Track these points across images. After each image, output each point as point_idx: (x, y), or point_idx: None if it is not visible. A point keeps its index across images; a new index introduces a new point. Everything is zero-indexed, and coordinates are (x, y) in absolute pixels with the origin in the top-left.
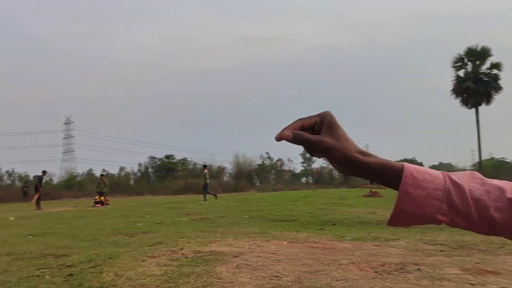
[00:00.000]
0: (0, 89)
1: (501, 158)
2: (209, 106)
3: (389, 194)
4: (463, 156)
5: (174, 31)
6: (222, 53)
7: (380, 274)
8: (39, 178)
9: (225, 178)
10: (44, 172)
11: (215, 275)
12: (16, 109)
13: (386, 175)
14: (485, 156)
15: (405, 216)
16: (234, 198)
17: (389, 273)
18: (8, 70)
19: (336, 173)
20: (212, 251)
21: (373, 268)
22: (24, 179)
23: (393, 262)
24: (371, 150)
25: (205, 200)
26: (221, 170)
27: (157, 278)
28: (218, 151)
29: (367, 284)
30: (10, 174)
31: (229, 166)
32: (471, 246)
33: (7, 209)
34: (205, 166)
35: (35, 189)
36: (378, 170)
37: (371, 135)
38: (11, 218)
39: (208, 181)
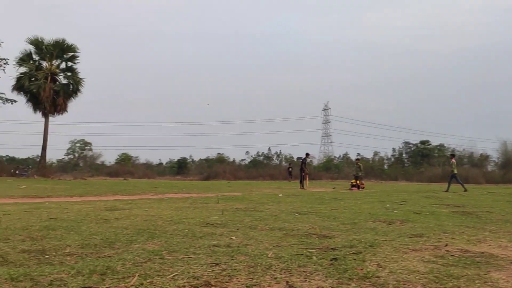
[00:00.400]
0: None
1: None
2: (469, 89)
3: None
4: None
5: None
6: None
7: None
8: (302, 160)
9: (489, 167)
10: (307, 154)
11: (490, 283)
12: (282, 97)
13: None
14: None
15: None
16: (503, 191)
17: None
18: (273, 61)
19: None
20: (483, 252)
21: None
22: (289, 160)
23: None
24: None
25: (446, 191)
26: (484, 158)
27: (422, 275)
28: (480, 136)
29: None
30: (278, 155)
31: (494, 154)
32: None
33: (275, 186)
34: (453, 156)
35: (300, 170)
36: None
37: None
38: (280, 195)
39: (455, 171)
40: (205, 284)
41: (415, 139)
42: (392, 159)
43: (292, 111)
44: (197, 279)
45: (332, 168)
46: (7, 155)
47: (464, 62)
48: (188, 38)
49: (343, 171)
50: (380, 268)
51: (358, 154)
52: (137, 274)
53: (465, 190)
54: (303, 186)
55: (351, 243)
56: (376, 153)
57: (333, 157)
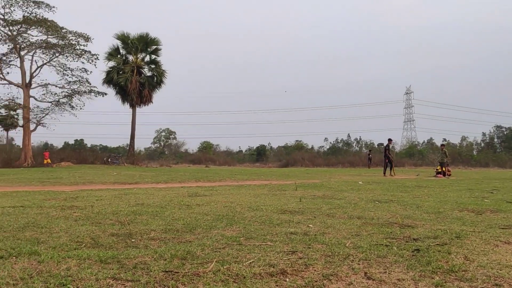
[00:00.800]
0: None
1: None
2: None
3: None
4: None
5: None
6: None
7: None
8: (385, 147)
9: None
10: (389, 140)
11: None
12: (361, 82)
13: None
14: None
15: None
16: None
17: None
18: (355, 47)
19: None
20: None
21: None
22: (369, 146)
23: None
24: None
25: None
26: None
27: None
28: None
29: None
30: (358, 142)
31: None
32: None
33: (355, 173)
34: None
35: (384, 156)
36: None
37: None
38: (360, 183)
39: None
40: (281, 272)
41: (508, 123)
42: (482, 144)
43: (373, 96)
44: (273, 267)
45: (416, 155)
46: (100, 144)
47: None
48: (268, 30)
49: (427, 157)
50: (468, 262)
51: (444, 140)
52: (214, 260)
53: None
54: (385, 173)
55: (435, 234)
56: (464, 138)
57: (416, 142)
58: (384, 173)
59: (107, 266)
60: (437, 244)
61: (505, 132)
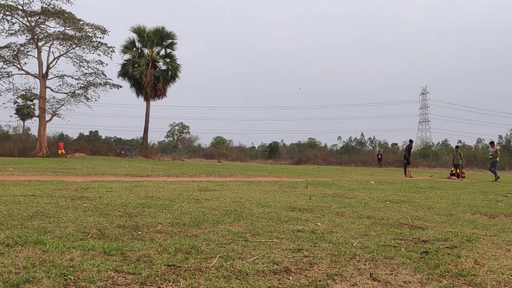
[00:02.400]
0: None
1: None
2: None
3: None
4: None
5: None
6: None
7: None
8: (406, 148)
9: None
10: (411, 141)
11: None
12: (377, 81)
13: None
14: None
15: None
16: None
17: None
18: (370, 45)
19: None
20: None
21: None
22: (383, 145)
23: None
24: None
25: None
26: None
27: None
28: None
29: None
30: (371, 141)
31: None
32: None
33: (368, 172)
34: (492, 143)
35: (404, 157)
36: None
37: None
38: (372, 182)
39: (497, 160)
40: (285, 270)
41: None
42: (499, 147)
43: (388, 95)
44: (277, 264)
45: (430, 156)
46: (114, 136)
47: None
48: (286, 28)
49: (441, 158)
50: (478, 266)
51: (459, 141)
52: (218, 255)
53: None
54: (406, 174)
55: (445, 236)
56: (479, 141)
57: (431, 143)
58: (405, 174)
59: (110, 258)
60: (447, 247)
61: None
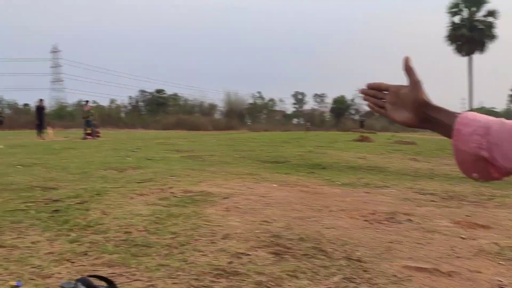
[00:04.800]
0: None
1: (491, 107)
2: (202, 42)
3: (380, 139)
4: (454, 104)
5: None
6: None
7: (371, 223)
8: (37, 108)
9: (217, 115)
10: (41, 100)
11: (204, 217)
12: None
13: (446, 116)
14: (476, 105)
15: (458, 154)
16: (226, 137)
17: (379, 223)
18: None
19: (327, 115)
20: (201, 191)
21: (363, 216)
22: (12, 106)
23: (383, 211)
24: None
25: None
26: (212, 107)
27: (145, 218)
28: (209, 87)
29: (357, 233)
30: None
31: (220, 104)
32: (461, 197)
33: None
34: (87, 101)
35: (36, 118)
36: (443, 113)
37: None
38: (1, 147)
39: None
40: None
41: (151, 88)
42: (129, 107)
43: (14, 51)
44: None
45: (66, 116)
46: None
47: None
48: None
49: (78, 119)
50: (104, 215)
51: (94, 102)
52: None
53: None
54: (40, 135)
55: (77, 193)
56: (112, 101)
57: (66, 104)
58: (39, 136)
59: None
60: (78, 203)
61: (148, 96)
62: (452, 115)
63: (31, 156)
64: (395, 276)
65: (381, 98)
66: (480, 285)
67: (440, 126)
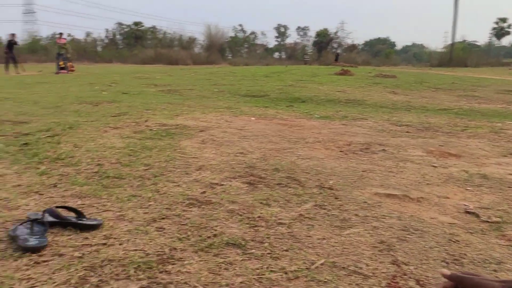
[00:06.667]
0: None
1: (472, 41)
2: None
3: (360, 73)
4: (436, 38)
5: None
6: None
7: (346, 154)
8: (8, 42)
9: (196, 49)
10: (12, 35)
11: (179, 150)
12: None
13: None
14: (458, 38)
15: None
16: (205, 71)
17: (354, 153)
18: None
19: (309, 49)
20: (177, 125)
21: (338, 147)
22: None
23: (359, 142)
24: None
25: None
26: (192, 41)
27: (118, 150)
28: (189, 20)
29: (331, 163)
30: None
31: (200, 37)
32: (436, 128)
33: None
34: (60, 34)
35: (5, 52)
36: None
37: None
38: None
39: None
40: None
41: (128, 20)
42: (106, 41)
43: None
44: None
45: (39, 50)
46: None
47: None
48: None
49: (51, 53)
50: (76, 148)
51: (69, 35)
52: None
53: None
54: (16, 70)
55: (48, 127)
56: (88, 34)
57: (39, 37)
58: (6, 70)
59: None
60: (49, 136)
61: (126, 29)
62: None
63: (1, 91)
64: (365, 202)
65: None
66: (447, 209)
67: None
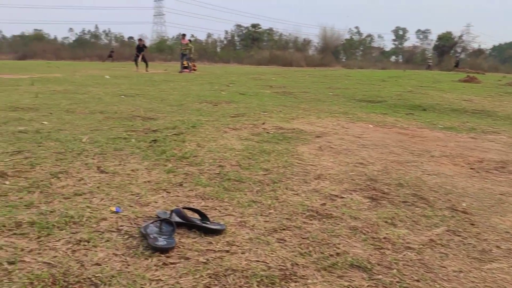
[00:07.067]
0: None
1: None
2: None
3: (488, 81)
4: None
5: None
6: None
7: (478, 172)
8: (137, 47)
9: (311, 51)
10: (140, 40)
11: (296, 156)
12: None
13: None
14: None
15: None
16: (319, 74)
17: (488, 172)
18: None
19: (429, 53)
20: (294, 129)
21: (469, 164)
22: (119, 39)
23: (492, 159)
24: None
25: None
26: (307, 43)
27: (238, 152)
28: (305, 22)
29: (462, 182)
30: (107, 34)
31: (315, 39)
32: None
33: (103, 67)
34: (183, 35)
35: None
36: None
37: None
38: (107, 77)
39: (186, 52)
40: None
41: (246, 22)
42: (225, 42)
43: None
44: None
45: (166, 50)
46: None
47: None
48: None
49: (176, 52)
50: (199, 148)
51: (192, 36)
52: None
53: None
54: (146, 69)
55: (174, 125)
56: (209, 35)
57: (166, 37)
58: (137, 66)
59: None
60: (174, 134)
61: (244, 31)
62: None
63: (133, 87)
64: (508, 232)
65: None
66: None
67: None
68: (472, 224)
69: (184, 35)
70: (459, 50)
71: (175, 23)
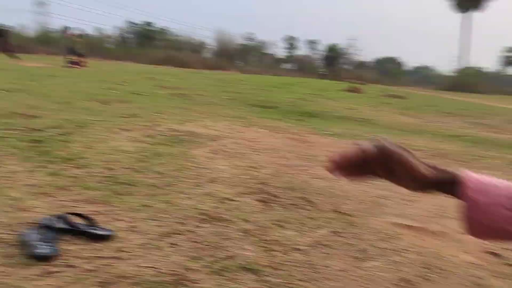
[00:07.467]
0: None
1: (481, 67)
2: None
3: (370, 91)
4: (445, 61)
5: None
6: None
7: None
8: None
9: (207, 54)
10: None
11: (190, 159)
12: None
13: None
14: (467, 64)
15: (475, 224)
16: (214, 77)
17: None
18: None
19: (319, 63)
20: (188, 131)
21: None
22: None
23: None
24: None
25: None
26: (201, 45)
27: (129, 155)
28: (199, 24)
29: (346, 186)
30: None
31: (210, 42)
32: (449, 155)
33: None
34: (67, 28)
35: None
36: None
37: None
38: None
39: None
40: None
41: (137, 19)
42: (118, 38)
43: None
44: None
45: (50, 42)
46: None
47: None
48: None
49: (63, 46)
50: (87, 149)
51: (68, 28)
52: None
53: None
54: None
55: (59, 124)
56: (98, 30)
57: (51, 29)
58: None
59: None
60: (60, 134)
61: (137, 28)
62: (451, 175)
63: (13, 81)
64: (382, 232)
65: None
66: (468, 247)
67: (445, 188)
68: (353, 225)
69: (67, 27)
70: (345, 61)
71: (60, 14)
